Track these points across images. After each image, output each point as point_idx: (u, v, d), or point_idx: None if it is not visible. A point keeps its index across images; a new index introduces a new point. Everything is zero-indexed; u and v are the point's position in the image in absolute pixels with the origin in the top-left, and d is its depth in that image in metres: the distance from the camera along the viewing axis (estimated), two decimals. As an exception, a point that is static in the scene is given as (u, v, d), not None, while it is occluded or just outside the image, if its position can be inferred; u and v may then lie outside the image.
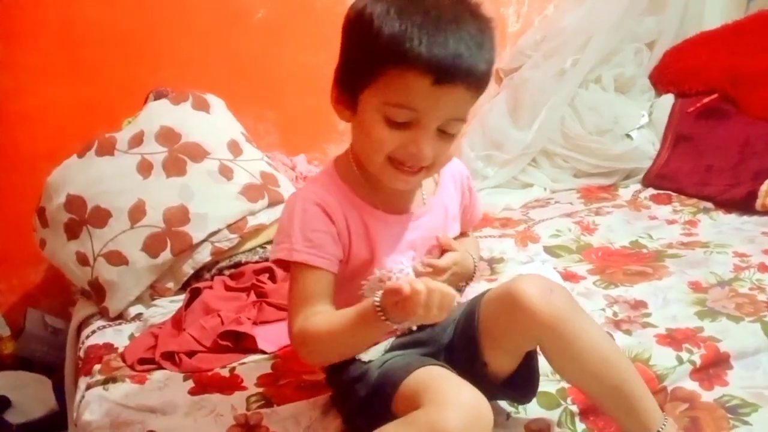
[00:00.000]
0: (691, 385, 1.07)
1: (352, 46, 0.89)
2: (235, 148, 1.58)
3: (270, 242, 1.56)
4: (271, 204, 1.55)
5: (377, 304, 0.82)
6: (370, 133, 0.88)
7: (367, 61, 0.85)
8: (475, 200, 1.10)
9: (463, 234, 1.09)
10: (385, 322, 0.82)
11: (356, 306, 0.87)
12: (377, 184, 0.94)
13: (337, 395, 1.03)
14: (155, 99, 1.62)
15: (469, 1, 0.88)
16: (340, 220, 0.93)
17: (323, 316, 0.91)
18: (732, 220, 1.74)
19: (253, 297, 1.41)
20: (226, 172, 1.53)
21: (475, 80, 0.85)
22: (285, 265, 0.94)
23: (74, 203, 1.46)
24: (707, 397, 1.05)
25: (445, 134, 0.88)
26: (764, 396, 1.03)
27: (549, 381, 1.05)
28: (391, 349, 0.98)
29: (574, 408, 1.03)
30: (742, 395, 1.04)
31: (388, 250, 0.96)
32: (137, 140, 1.51)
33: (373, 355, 0.96)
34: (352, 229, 0.93)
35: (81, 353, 1.35)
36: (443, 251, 1.02)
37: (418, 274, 0.97)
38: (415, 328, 0.99)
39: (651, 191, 1.96)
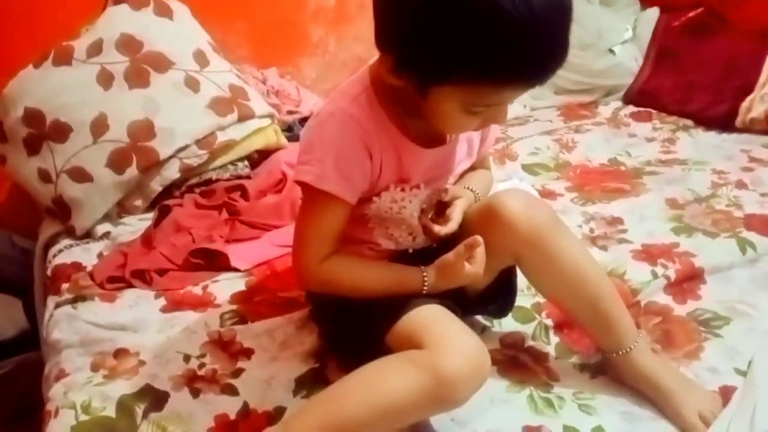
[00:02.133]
0: (665, 299, 1.08)
1: (432, 28, 0.71)
2: (201, 58, 1.50)
3: (240, 159, 1.53)
4: (241, 119, 1.49)
5: (425, 277, 0.88)
6: (448, 121, 0.81)
7: (456, 64, 0.72)
8: (492, 129, 1.01)
9: (476, 163, 1.03)
10: (423, 292, 0.88)
11: (396, 270, 0.91)
12: (413, 113, 0.85)
13: (319, 313, 1.02)
14: (114, 4, 1.52)
15: None
16: (377, 154, 0.85)
17: (349, 264, 0.90)
18: (711, 137, 1.73)
19: (225, 215, 1.38)
20: (192, 84, 1.46)
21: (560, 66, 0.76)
22: (305, 184, 0.86)
23: (32, 117, 1.39)
24: (680, 310, 1.05)
25: None
26: (736, 309, 1.04)
27: (524, 296, 1.05)
28: None
29: (549, 322, 1.04)
30: (715, 309, 1.05)
31: (415, 178, 0.91)
32: (96, 49, 1.43)
33: None
34: (384, 163, 0.87)
35: (48, 272, 1.33)
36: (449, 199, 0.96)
37: (428, 231, 0.93)
38: (410, 251, 0.97)
39: (631, 109, 1.94)
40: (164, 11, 1.51)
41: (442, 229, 0.90)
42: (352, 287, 0.90)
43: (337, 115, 0.84)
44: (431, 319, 0.84)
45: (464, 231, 0.91)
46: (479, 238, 0.85)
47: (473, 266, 0.86)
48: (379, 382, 0.77)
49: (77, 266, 1.30)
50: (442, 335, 0.80)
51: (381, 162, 0.87)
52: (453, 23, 0.70)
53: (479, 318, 1.04)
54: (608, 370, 0.93)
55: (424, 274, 0.89)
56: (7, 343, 1.59)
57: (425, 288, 0.89)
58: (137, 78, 1.42)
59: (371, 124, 0.84)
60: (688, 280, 1.11)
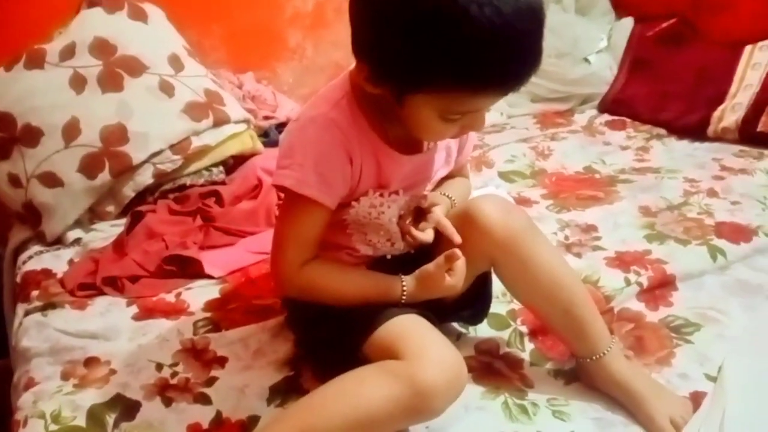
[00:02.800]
0: (638, 306, 1.09)
1: (404, 37, 0.72)
2: (176, 62, 1.49)
3: (215, 165, 1.52)
4: (216, 124, 1.48)
5: (404, 286, 0.88)
6: (424, 128, 0.81)
7: (427, 72, 0.73)
8: (470, 138, 1.02)
9: (454, 171, 1.03)
10: (401, 301, 0.88)
11: (375, 278, 0.91)
12: (391, 118, 0.85)
13: (296, 319, 1.01)
14: (88, 7, 1.50)
15: None
16: (357, 159, 0.85)
17: (328, 270, 0.90)
18: (684, 146, 1.76)
19: (199, 221, 1.36)
20: (166, 89, 1.44)
21: (533, 74, 0.76)
22: (285, 188, 0.86)
23: (3, 120, 1.37)
24: (652, 317, 1.06)
25: None
26: (707, 316, 1.06)
27: (499, 302, 1.05)
28: None
29: (524, 328, 1.04)
30: (686, 315, 1.06)
31: (394, 184, 0.91)
32: (69, 52, 1.41)
33: None
34: (364, 168, 0.87)
35: (18, 279, 1.30)
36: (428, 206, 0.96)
37: (410, 237, 0.93)
38: (389, 257, 0.97)
39: (606, 117, 1.96)
40: (139, 15, 1.49)
41: (427, 236, 0.90)
42: (331, 294, 0.90)
43: (319, 120, 0.84)
44: (409, 329, 0.83)
45: (442, 237, 0.92)
46: (458, 252, 0.85)
47: (453, 278, 0.86)
48: (357, 392, 0.77)
49: (47, 273, 1.27)
50: (420, 346, 0.80)
51: (361, 167, 0.87)
52: (424, 32, 0.70)
53: (455, 324, 1.04)
54: (581, 375, 0.94)
55: (403, 283, 0.89)
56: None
57: (404, 297, 0.89)
58: (111, 82, 1.40)
59: (352, 129, 0.84)
60: (660, 287, 1.13)
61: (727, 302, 1.09)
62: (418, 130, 0.84)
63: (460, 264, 0.86)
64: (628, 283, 1.13)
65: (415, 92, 0.77)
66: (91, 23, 1.46)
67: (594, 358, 0.90)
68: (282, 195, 1.40)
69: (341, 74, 0.89)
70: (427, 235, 0.91)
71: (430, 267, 0.88)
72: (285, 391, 0.93)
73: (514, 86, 0.76)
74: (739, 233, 1.27)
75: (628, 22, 2.09)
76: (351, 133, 0.84)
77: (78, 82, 1.39)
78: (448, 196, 0.99)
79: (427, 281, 0.88)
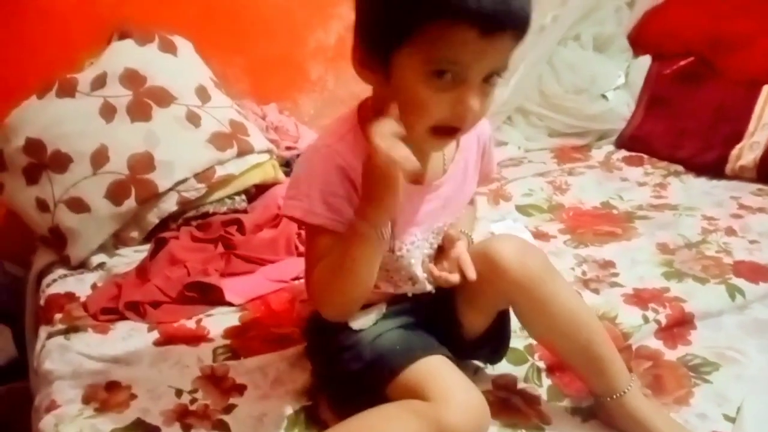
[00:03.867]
0: (656, 344, 1.09)
1: None
2: (203, 93, 1.52)
3: (238, 193, 1.54)
4: (240, 154, 1.51)
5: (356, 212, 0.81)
6: (412, 99, 0.78)
7: (402, 16, 0.74)
8: (490, 162, 1.01)
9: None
10: (366, 231, 0.79)
11: (344, 240, 0.83)
12: None
13: (316, 352, 1.01)
14: (119, 39, 1.55)
15: None
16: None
17: (324, 264, 0.85)
18: (702, 183, 1.76)
19: (220, 248, 1.38)
20: (193, 119, 1.48)
21: (521, 25, 0.75)
22: (295, 219, 0.87)
23: (33, 146, 1.40)
24: (670, 355, 1.06)
25: (486, 86, 0.78)
26: (726, 356, 1.05)
27: (517, 337, 1.05)
28: (382, 318, 0.95)
29: (541, 364, 1.04)
30: (705, 355, 1.06)
31: (405, 220, 0.90)
32: (100, 82, 1.45)
33: (364, 323, 0.92)
34: None
35: (41, 302, 1.32)
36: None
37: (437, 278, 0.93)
38: (410, 294, 0.96)
39: (623, 153, 1.97)
40: (168, 47, 1.54)
41: (451, 277, 0.91)
42: (341, 277, 0.83)
43: (323, 151, 0.85)
44: (435, 371, 0.84)
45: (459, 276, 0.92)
46: None
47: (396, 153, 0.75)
48: (382, 430, 0.78)
49: (71, 296, 1.30)
50: (446, 388, 0.81)
51: None
52: None
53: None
54: (600, 413, 0.93)
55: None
56: (-6, 372, 1.58)
57: (361, 222, 0.80)
58: (139, 111, 1.43)
59: (356, 161, 0.83)
60: (679, 326, 1.12)
61: (745, 342, 1.08)
62: (409, 109, 0.78)
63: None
64: (646, 320, 1.13)
65: (398, 48, 0.75)
66: (122, 54, 1.50)
67: (614, 396, 0.90)
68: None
69: (350, 109, 0.89)
70: (454, 277, 0.91)
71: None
72: (303, 421, 0.94)
73: (491, 23, 0.72)
74: (757, 273, 1.26)
75: (645, 60, 2.11)
76: (355, 164, 0.84)
77: (108, 111, 1.42)
78: (465, 233, 1.00)
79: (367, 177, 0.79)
